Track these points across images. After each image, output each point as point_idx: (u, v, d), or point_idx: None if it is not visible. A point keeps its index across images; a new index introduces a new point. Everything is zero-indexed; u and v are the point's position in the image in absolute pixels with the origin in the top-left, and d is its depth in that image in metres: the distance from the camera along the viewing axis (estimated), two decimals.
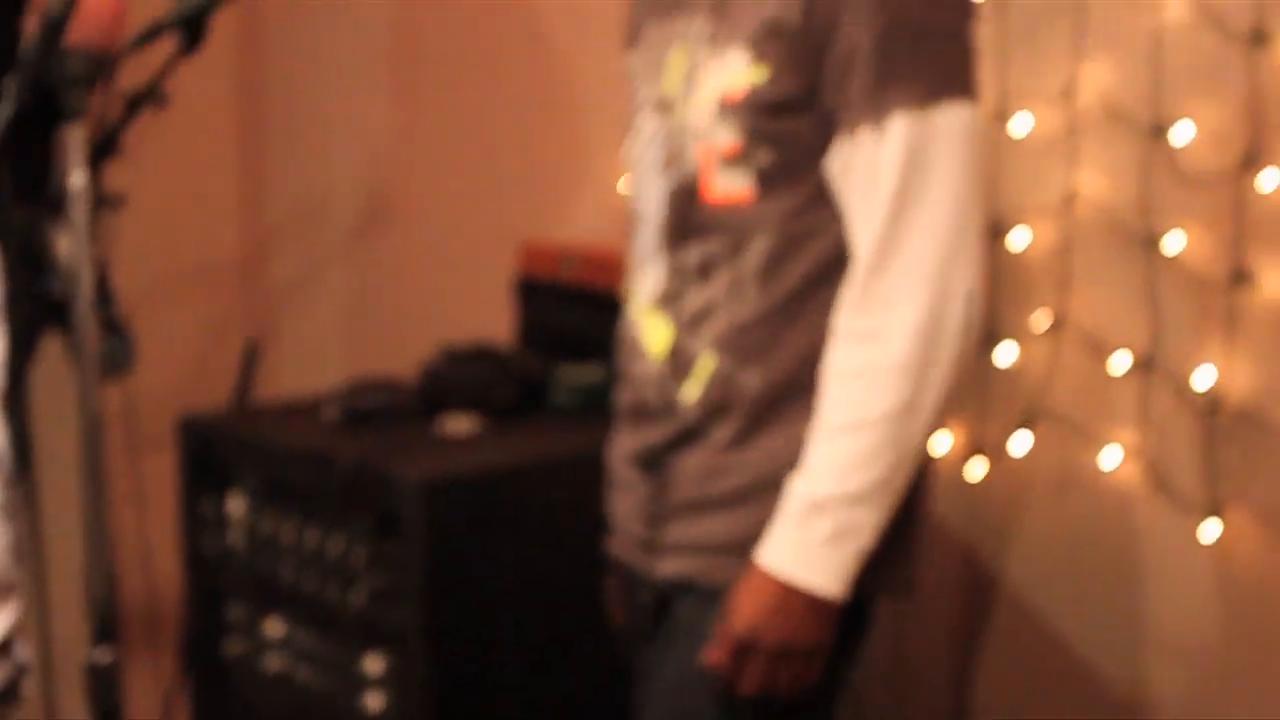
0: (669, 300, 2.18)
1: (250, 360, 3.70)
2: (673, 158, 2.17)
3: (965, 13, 2.06)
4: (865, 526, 2.02)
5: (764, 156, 2.07)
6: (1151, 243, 2.88)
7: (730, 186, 2.10)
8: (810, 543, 2.02)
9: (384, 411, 3.25)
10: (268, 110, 4.69)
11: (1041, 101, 3.01)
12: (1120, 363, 2.96)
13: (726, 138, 2.09)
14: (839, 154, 2.04)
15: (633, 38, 2.32)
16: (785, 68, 2.04)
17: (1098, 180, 2.97)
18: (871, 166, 2.00)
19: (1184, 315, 2.88)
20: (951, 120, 1.99)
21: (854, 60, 1.99)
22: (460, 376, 3.32)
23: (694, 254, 2.14)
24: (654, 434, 2.21)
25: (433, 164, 4.25)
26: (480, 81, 4.12)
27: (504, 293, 3.79)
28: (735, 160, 2.09)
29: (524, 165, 4.02)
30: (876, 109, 1.99)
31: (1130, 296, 2.94)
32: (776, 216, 2.08)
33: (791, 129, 2.06)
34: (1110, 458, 2.98)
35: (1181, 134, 2.83)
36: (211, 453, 3.33)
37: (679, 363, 2.16)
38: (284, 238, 4.70)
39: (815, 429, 2.05)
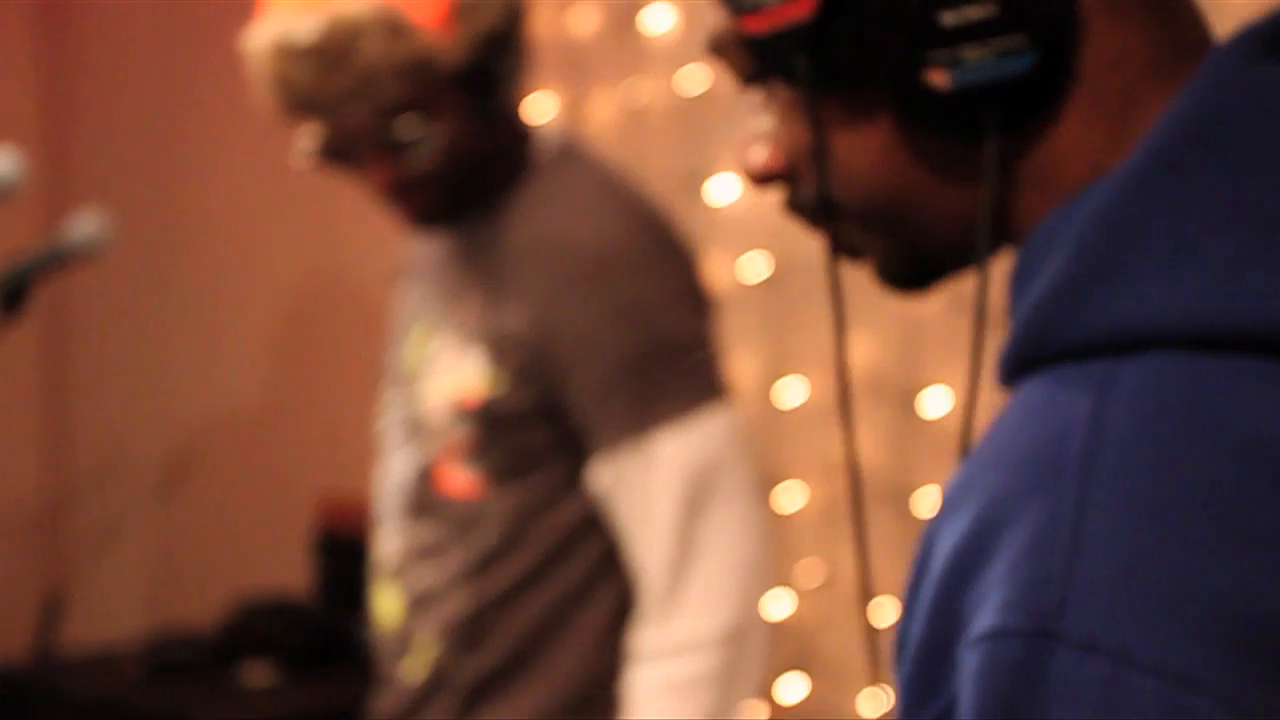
0: (401, 574, 2.17)
1: (52, 612, 3.74)
2: (410, 436, 2.16)
3: (704, 314, 2.10)
4: None
5: (497, 457, 2.07)
6: (907, 501, 3.13)
7: (462, 479, 2.09)
8: None
9: (185, 663, 3.32)
10: (72, 360, 4.77)
11: (810, 375, 3.25)
12: (887, 614, 3.16)
13: (460, 434, 2.08)
14: (603, 472, 2.03)
15: (399, 292, 2.31)
16: (520, 381, 2.04)
17: (862, 447, 3.21)
18: (643, 487, 1.99)
19: None
20: (716, 425, 2.00)
21: (607, 383, 1.99)
22: (260, 627, 3.40)
23: (427, 534, 2.13)
24: (387, 703, 2.21)
25: (234, 417, 4.36)
26: (281, 339, 4.26)
27: (303, 545, 3.90)
28: (468, 456, 2.08)
29: (324, 420, 4.15)
30: (638, 427, 1.98)
31: (892, 551, 3.16)
32: (504, 513, 2.07)
33: (527, 436, 2.06)
34: (876, 704, 3.17)
35: (938, 404, 3.09)
36: (13, 706, 3.36)
37: (404, 639, 2.16)
38: (85, 487, 4.75)
39: None
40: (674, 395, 2.00)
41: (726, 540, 1.99)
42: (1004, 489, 0.73)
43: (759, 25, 0.83)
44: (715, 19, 0.88)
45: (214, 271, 4.42)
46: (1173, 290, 0.74)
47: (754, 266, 3.31)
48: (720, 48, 0.91)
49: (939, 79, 0.79)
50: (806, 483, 3.28)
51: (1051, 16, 0.78)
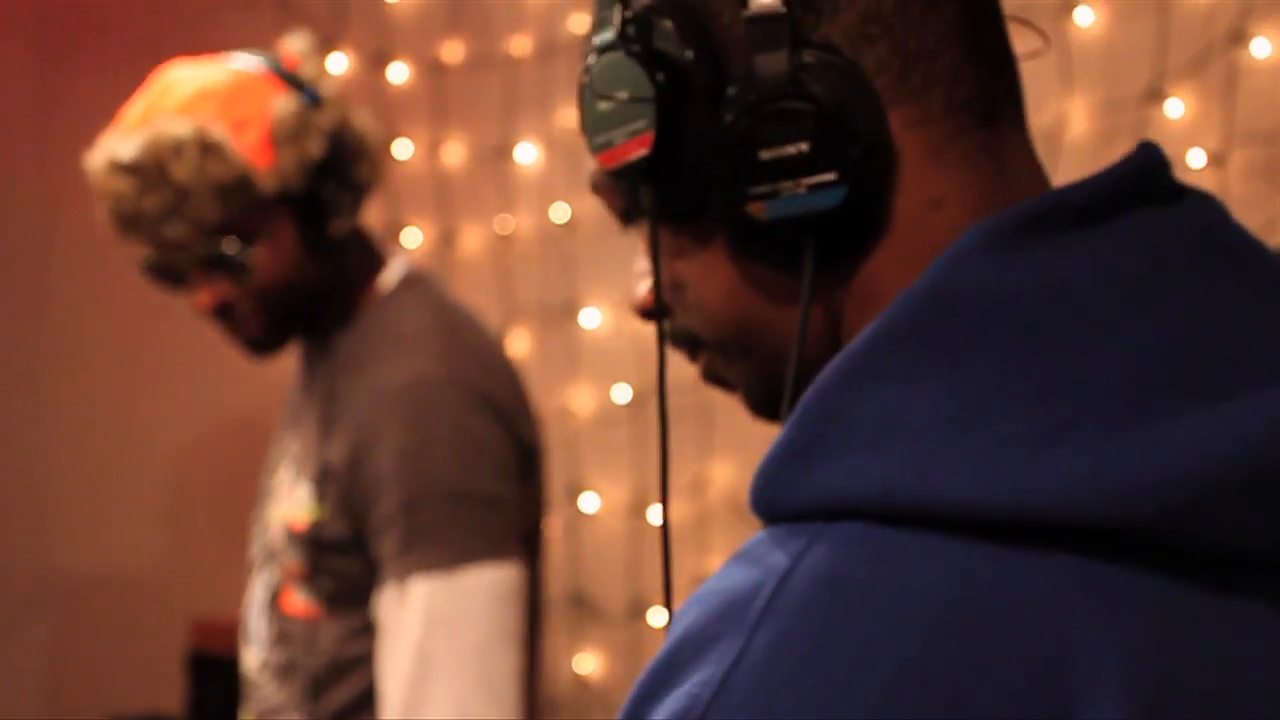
0: (255, 689, 2.21)
1: None
2: (266, 560, 2.22)
3: (501, 476, 2.09)
4: None
5: (325, 583, 2.11)
6: None
7: (300, 602, 2.13)
8: None
9: None
10: None
11: (674, 497, 3.36)
12: None
13: (294, 560, 2.13)
14: (377, 604, 2.07)
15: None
16: (337, 511, 2.08)
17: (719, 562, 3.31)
18: (395, 625, 2.02)
19: None
20: (479, 582, 2.01)
21: (387, 520, 2.03)
22: None
23: (279, 655, 2.17)
24: None
25: (109, 539, 4.36)
26: (158, 460, 4.29)
27: (176, 667, 3.91)
28: (301, 580, 2.13)
29: (196, 543, 4.18)
30: (401, 571, 2.02)
31: None
32: (334, 638, 2.11)
33: (347, 564, 2.10)
34: None
35: None
36: None
37: None
38: None
39: None
40: (442, 545, 2.02)
41: (450, 696, 2.00)
42: (702, 623, 0.79)
43: (609, 161, 0.88)
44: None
45: (95, 399, 4.44)
46: (871, 464, 0.78)
47: (621, 392, 3.41)
48: (596, 187, 0.99)
49: (758, 210, 0.84)
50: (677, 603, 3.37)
51: (861, 156, 0.82)
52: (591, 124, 0.90)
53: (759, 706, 0.74)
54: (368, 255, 2.20)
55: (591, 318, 3.47)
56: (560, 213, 3.49)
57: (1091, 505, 0.74)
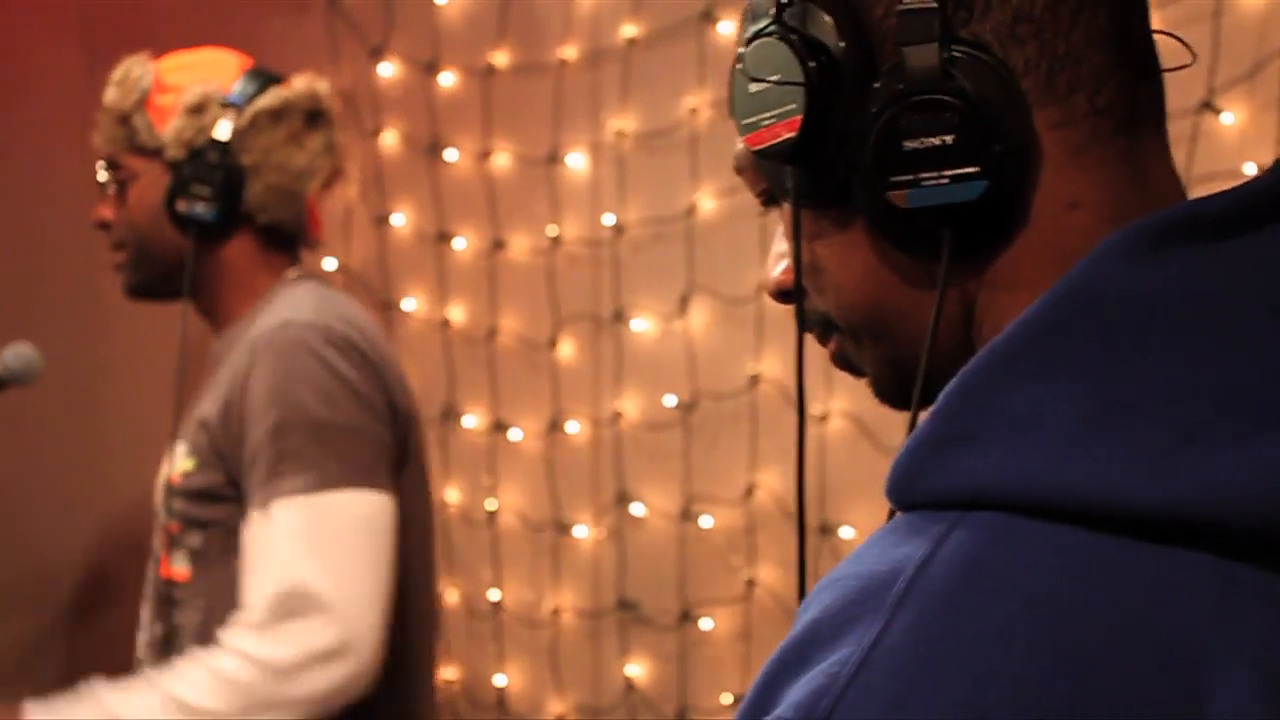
0: (147, 661, 2.31)
1: None
2: (156, 530, 2.35)
3: (366, 410, 2.19)
4: None
5: (196, 538, 2.24)
6: None
7: (178, 566, 2.26)
8: None
9: None
10: None
11: (722, 504, 3.38)
12: None
13: (170, 518, 2.26)
14: (243, 533, 2.18)
15: None
16: (208, 460, 2.23)
17: (773, 573, 3.33)
18: (257, 546, 2.12)
19: None
20: (346, 506, 2.12)
21: (255, 451, 2.15)
22: None
23: (159, 627, 2.29)
24: None
25: None
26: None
27: None
28: (178, 539, 2.25)
29: None
30: (265, 498, 2.12)
31: None
32: (205, 597, 2.22)
33: (215, 515, 2.22)
34: None
35: (845, 534, 3.22)
36: None
37: None
38: None
39: (145, 688, 2.12)
40: (306, 471, 2.12)
41: (316, 619, 2.08)
42: (836, 607, 0.82)
43: (756, 142, 0.93)
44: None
45: (151, 403, 4.48)
46: (1013, 457, 0.81)
47: (669, 399, 3.43)
48: (740, 168, 1.02)
49: (899, 198, 0.88)
50: (719, 605, 3.39)
51: (1003, 152, 0.86)
52: (741, 106, 0.94)
53: (898, 689, 0.76)
54: (269, 261, 2.40)
55: (639, 325, 3.49)
56: (608, 221, 3.51)
57: (1227, 505, 0.77)
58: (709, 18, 3.34)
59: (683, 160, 3.39)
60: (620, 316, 3.51)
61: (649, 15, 3.44)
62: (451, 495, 3.79)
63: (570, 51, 3.55)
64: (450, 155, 3.74)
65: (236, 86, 2.35)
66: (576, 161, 3.57)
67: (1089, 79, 0.88)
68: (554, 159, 3.58)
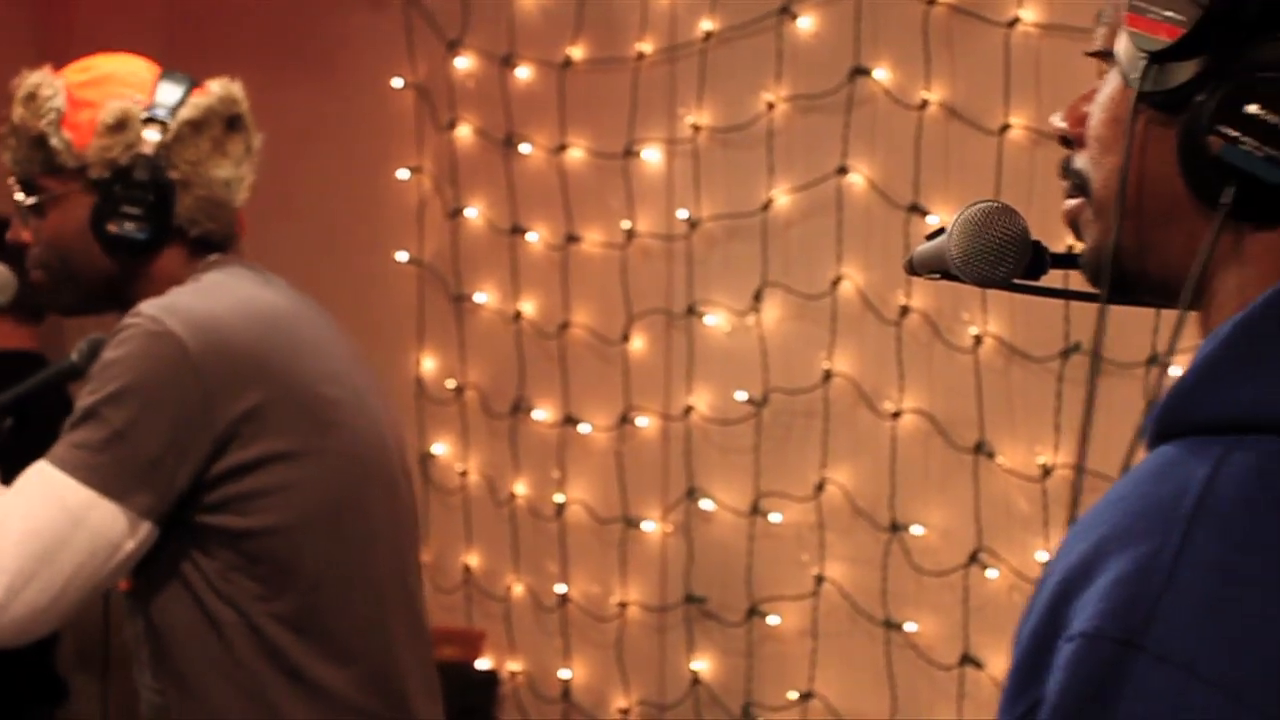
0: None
1: None
2: None
3: (147, 425, 2.11)
4: None
5: None
6: (885, 629, 3.23)
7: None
8: None
9: None
10: None
11: (792, 500, 3.37)
12: None
13: None
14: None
15: None
16: None
17: (842, 569, 3.32)
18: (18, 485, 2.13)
19: (920, 693, 3.21)
20: (67, 494, 2.08)
21: (70, 422, 2.14)
22: None
23: (127, 633, 2.29)
24: None
25: None
26: None
27: None
28: None
29: None
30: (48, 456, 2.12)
31: (872, 674, 3.27)
32: (144, 608, 2.21)
33: None
34: None
35: (916, 532, 3.20)
36: None
37: None
38: None
39: None
40: (67, 448, 2.11)
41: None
42: (1122, 526, 0.88)
43: (1135, 24, 0.99)
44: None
45: None
46: None
47: (740, 394, 3.43)
48: (1104, 21, 1.07)
49: (1215, 143, 0.95)
50: (787, 602, 3.38)
51: None
52: None
53: (1218, 592, 0.83)
54: (197, 268, 2.29)
55: (711, 320, 3.49)
56: (682, 215, 3.51)
57: None
58: (787, 12, 3.34)
59: (758, 155, 3.39)
60: (693, 311, 3.51)
61: (726, 9, 3.44)
62: (520, 488, 3.80)
63: (646, 45, 3.56)
64: (524, 149, 3.75)
65: (155, 97, 2.27)
66: (651, 156, 3.57)
67: None
68: (629, 153, 3.58)
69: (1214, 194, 0.96)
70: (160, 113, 2.25)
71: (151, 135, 2.24)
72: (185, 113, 2.26)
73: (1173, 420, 0.93)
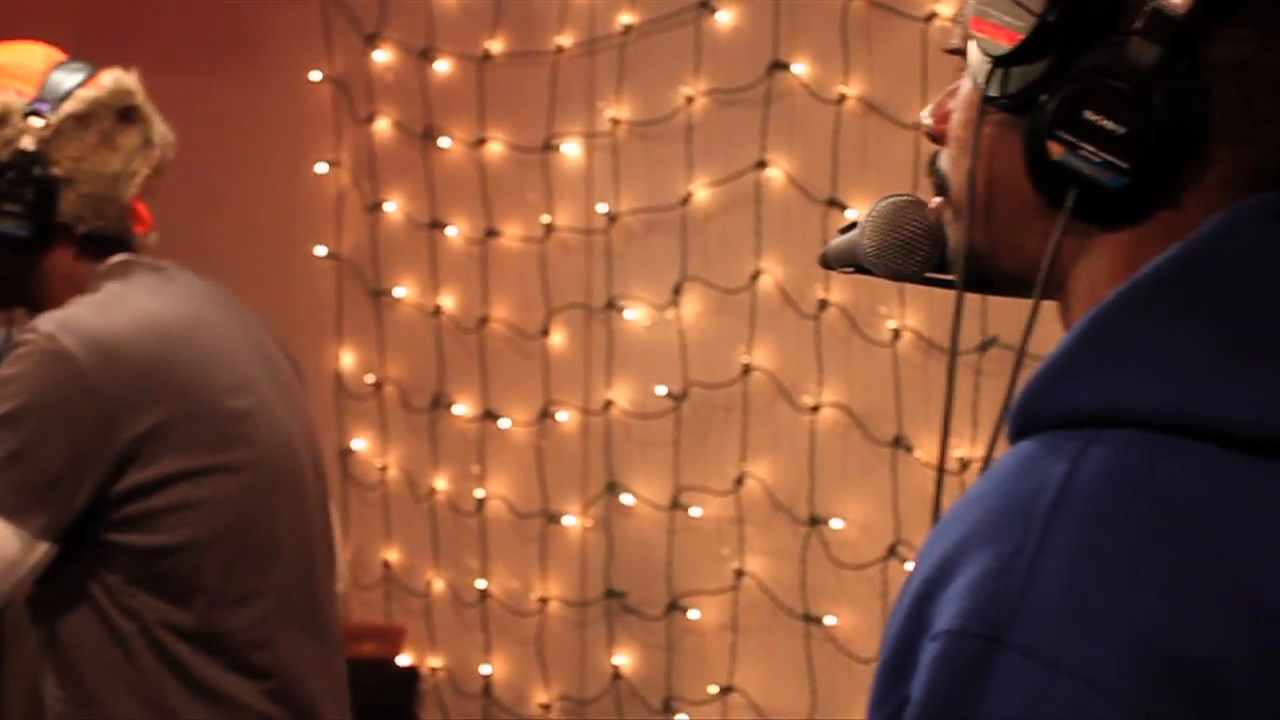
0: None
1: None
2: None
3: (42, 446, 2.09)
4: None
5: None
6: (805, 622, 3.24)
7: None
8: None
9: None
10: None
11: (712, 494, 3.37)
12: None
13: None
14: None
15: None
16: None
17: (761, 563, 3.33)
18: None
19: (840, 686, 3.22)
20: None
21: None
22: None
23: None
24: None
25: None
26: None
27: None
28: None
29: None
30: None
31: (792, 668, 3.27)
32: (43, 615, 2.19)
33: None
34: None
35: (835, 526, 3.21)
36: None
37: None
38: None
39: None
40: None
41: None
42: (983, 523, 0.88)
43: (977, 27, 1.00)
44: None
45: None
46: (1145, 382, 0.89)
47: (660, 388, 3.43)
48: (959, 21, 1.07)
49: (1056, 150, 0.96)
50: (707, 596, 3.38)
51: (1161, 169, 0.94)
52: None
53: (1078, 585, 0.83)
54: (93, 265, 2.24)
55: (631, 314, 3.48)
56: (602, 209, 3.50)
57: None
58: (706, 6, 3.34)
59: (678, 149, 3.39)
60: (612, 305, 3.51)
61: (645, 3, 3.44)
62: (440, 483, 3.79)
63: (565, 39, 3.55)
64: (444, 143, 3.74)
65: (43, 90, 2.20)
66: (570, 150, 3.56)
67: (1265, 142, 0.96)
68: (548, 147, 3.57)
69: (1058, 197, 0.97)
70: (44, 106, 2.19)
71: (33, 129, 2.17)
72: (69, 106, 2.19)
73: (1032, 415, 0.94)
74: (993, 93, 1.00)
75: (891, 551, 3.13)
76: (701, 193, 3.37)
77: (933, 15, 3.06)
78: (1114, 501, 0.86)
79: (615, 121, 3.47)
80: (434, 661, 3.81)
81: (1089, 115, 0.95)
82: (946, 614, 0.86)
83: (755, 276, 3.30)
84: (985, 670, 0.83)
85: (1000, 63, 0.99)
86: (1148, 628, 0.82)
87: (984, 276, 1.06)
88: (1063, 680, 0.82)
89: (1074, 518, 0.85)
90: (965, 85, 1.05)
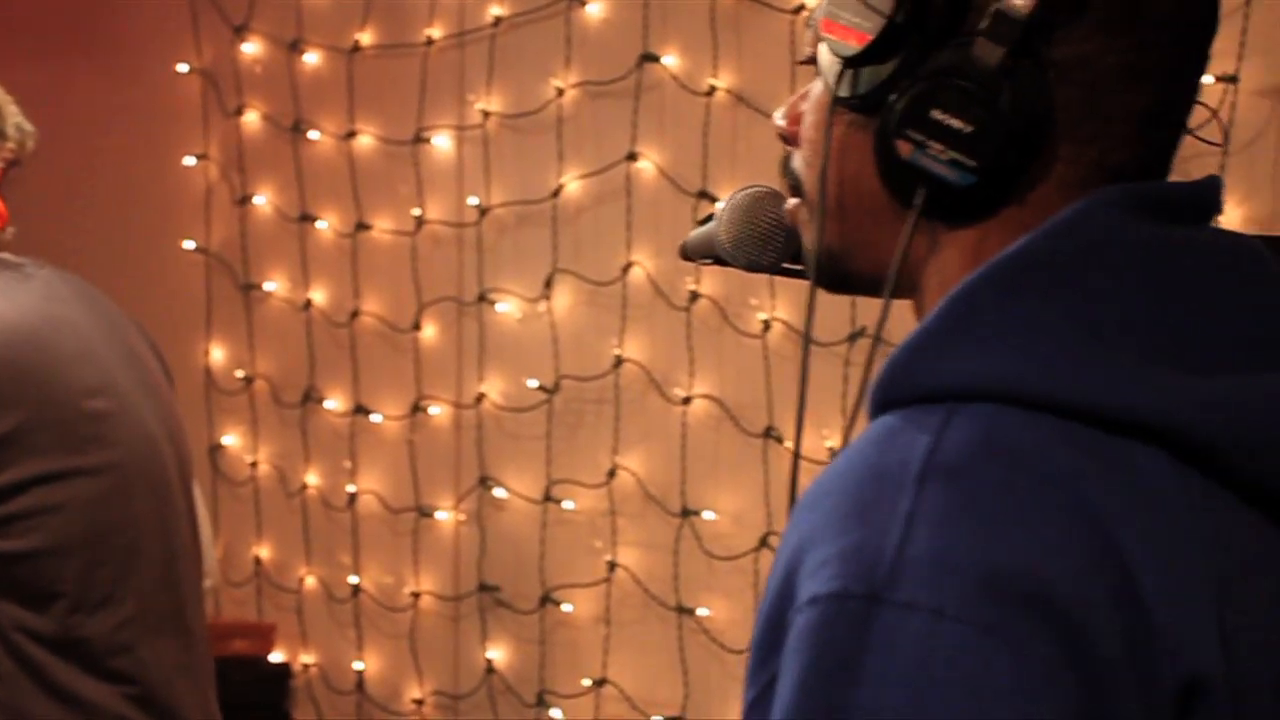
0: None
1: None
2: None
3: None
4: None
5: None
6: (683, 612, 3.25)
7: None
8: None
9: None
10: None
11: (584, 487, 3.37)
12: None
13: None
14: None
15: None
16: None
17: (634, 555, 3.33)
18: None
19: (712, 677, 3.23)
20: None
21: None
22: None
23: None
24: None
25: None
26: None
27: None
28: None
29: None
30: None
31: (665, 660, 3.28)
32: None
33: None
34: None
35: (707, 517, 3.22)
36: None
37: None
38: None
39: None
40: None
41: None
42: (851, 493, 0.91)
43: (828, 29, 1.02)
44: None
45: None
46: (1004, 359, 0.93)
47: (531, 382, 3.42)
48: (811, 25, 1.08)
49: (905, 148, 0.98)
50: (580, 589, 3.38)
51: (1006, 166, 0.97)
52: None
53: (950, 547, 0.86)
54: None
55: (503, 307, 3.48)
56: (473, 202, 3.49)
57: (1176, 418, 0.92)
58: None
59: (548, 142, 3.38)
60: (484, 298, 3.49)
61: None
62: (311, 478, 3.76)
63: (435, 31, 3.53)
64: (313, 135, 3.71)
65: None
66: (441, 142, 3.54)
67: (1108, 139, 0.98)
68: (418, 140, 3.56)
69: (908, 196, 0.99)
70: None
71: None
72: None
73: (893, 390, 0.96)
74: (843, 93, 1.02)
75: (763, 542, 3.14)
76: (572, 185, 3.37)
77: (801, 8, 3.08)
78: (981, 464, 0.89)
79: (486, 114, 3.46)
80: (306, 658, 3.78)
81: (936, 114, 0.97)
82: (818, 580, 0.87)
83: (626, 269, 3.30)
84: (867, 628, 0.85)
85: (850, 63, 1.01)
86: (1015, 573, 0.85)
87: (839, 276, 1.08)
88: (950, 625, 0.84)
89: (943, 481, 0.88)
90: (817, 87, 1.07)
